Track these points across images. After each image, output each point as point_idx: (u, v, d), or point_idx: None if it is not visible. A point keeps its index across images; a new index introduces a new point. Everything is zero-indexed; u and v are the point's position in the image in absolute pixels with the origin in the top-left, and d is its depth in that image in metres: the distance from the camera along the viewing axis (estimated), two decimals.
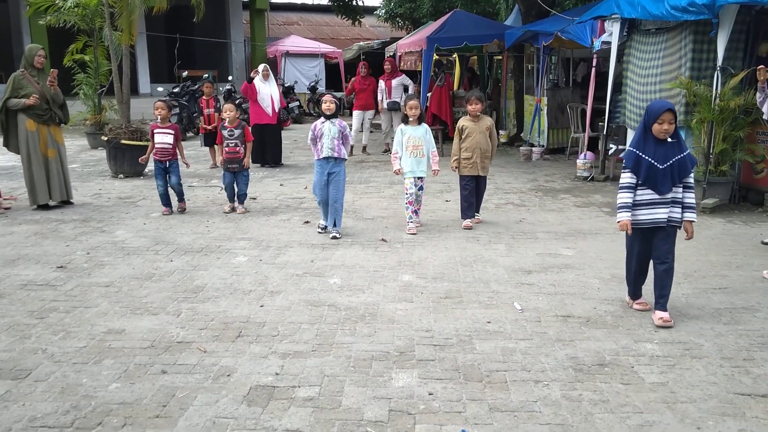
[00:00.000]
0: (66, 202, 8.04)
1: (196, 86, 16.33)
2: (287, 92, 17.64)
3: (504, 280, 5.30)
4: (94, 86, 13.59)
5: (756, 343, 4.07)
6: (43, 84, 7.58)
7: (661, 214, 4.34)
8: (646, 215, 4.37)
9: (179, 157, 7.78)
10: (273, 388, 3.49)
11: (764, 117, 6.54)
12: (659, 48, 8.67)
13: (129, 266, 5.65)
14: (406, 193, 6.88)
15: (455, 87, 16.20)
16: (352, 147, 12.87)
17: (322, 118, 6.53)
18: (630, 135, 9.52)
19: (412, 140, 6.80)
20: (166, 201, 7.68)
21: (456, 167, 7.06)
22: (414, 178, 6.84)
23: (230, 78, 20.84)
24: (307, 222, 7.23)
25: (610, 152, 10.01)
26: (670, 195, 4.33)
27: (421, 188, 6.97)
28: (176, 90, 16.05)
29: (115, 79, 10.70)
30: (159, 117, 7.71)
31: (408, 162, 6.82)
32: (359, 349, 3.98)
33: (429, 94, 13.43)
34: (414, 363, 3.79)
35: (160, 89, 18.22)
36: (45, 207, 7.80)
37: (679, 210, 4.36)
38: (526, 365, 3.76)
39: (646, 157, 4.27)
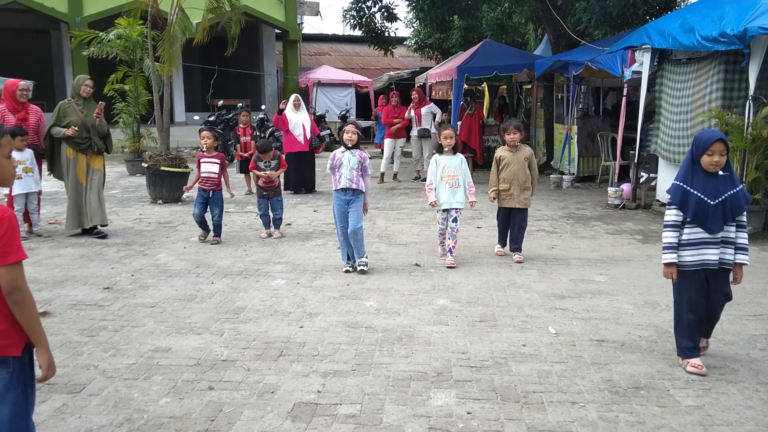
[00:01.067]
0: (99, 233, 7.86)
1: (231, 115, 16.75)
2: (318, 121, 17.94)
3: (538, 304, 5.38)
4: (134, 115, 14.03)
5: None
6: (87, 113, 7.73)
7: (711, 255, 3.96)
8: (693, 256, 3.98)
9: (224, 187, 7.79)
10: (316, 405, 3.62)
11: None
12: (690, 77, 8.74)
13: (172, 288, 5.84)
14: (438, 226, 6.76)
15: (485, 116, 16.36)
16: (382, 174, 13.17)
17: (342, 148, 6.35)
18: (662, 164, 9.56)
19: (448, 170, 6.61)
20: (203, 225, 7.69)
21: (494, 198, 6.86)
22: (449, 210, 6.62)
23: (263, 107, 21.27)
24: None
25: (642, 180, 10.05)
26: (720, 234, 3.96)
27: (455, 220, 6.61)
28: (212, 118, 16.49)
29: (156, 108, 11.06)
30: (205, 146, 7.78)
31: (444, 193, 6.61)
32: (397, 369, 4.09)
33: (459, 123, 13.61)
34: (451, 383, 3.88)
35: (195, 118, 18.72)
36: (100, 234, 7.81)
37: (732, 251, 3.99)
38: (562, 387, 3.83)
39: (695, 192, 3.90)
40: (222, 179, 7.76)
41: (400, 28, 31.27)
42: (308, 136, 11.16)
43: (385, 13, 16.18)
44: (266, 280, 6.12)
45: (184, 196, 10.44)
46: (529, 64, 13.64)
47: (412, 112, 13.07)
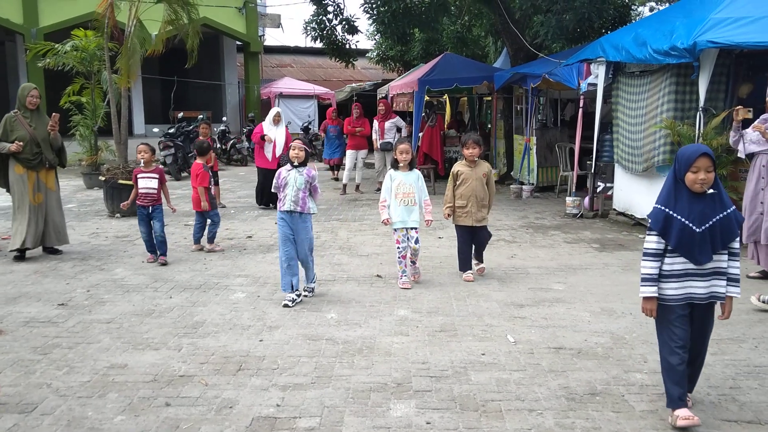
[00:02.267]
0: (53, 250, 7.61)
1: (191, 127, 16.60)
2: None
3: (497, 313, 5.43)
4: (91, 127, 13.79)
5: (742, 373, 4.21)
6: (36, 126, 7.29)
7: (698, 288, 3.46)
8: (677, 289, 3.47)
9: (164, 201, 7.46)
10: (275, 419, 3.59)
11: (740, 155, 6.77)
12: (644, 90, 8.97)
13: (129, 303, 5.75)
14: (398, 247, 6.29)
15: (445, 128, 16.51)
16: (345, 186, 13.17)
17: (289, 166, 5.76)
18: (618, 173, 9.77)
19: (403, 187, 6.25)
20: (151, 247, 7.29)
21: (449, 215, 6.53)
22: (406, 229, 6.27)
23: (224, 119, 21.16)
24: None
25: (599, 190, 10.26)
26: (711, 265, 3.44)
27: (417, 240, 6.29)
28: (171, 131, 16.30)
29: (113, 121, 10.89)
30: (142, 161, 7.37)
31: (398, 211, 6.25)
32: (358, 380, 4.09)
33: (420, 134, 13.72)
34: (411, 394, 3.90)
35: (155, 130, 18.50)
36: (21, 255, 7.32)
37: (723, 283, 3.47)
38: (520, 395, 3.87)
39: (679, 217, 3.40)
40: (162, 195, 7.41)
41: (362, 41, 31.41)
42: (278, 153, 10.70)
43: (346, 26, 16.23)
44: (226, 293, 6.06)
45: None
46: (488, 76, 13.83)
47: (376, 125, 13.12)
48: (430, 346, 4.69)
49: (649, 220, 3.54)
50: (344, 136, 13.84)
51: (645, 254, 3.55)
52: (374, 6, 14.45)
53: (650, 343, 4.70)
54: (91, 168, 13.69)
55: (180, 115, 17.73)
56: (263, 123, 10.88)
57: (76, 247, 7.98)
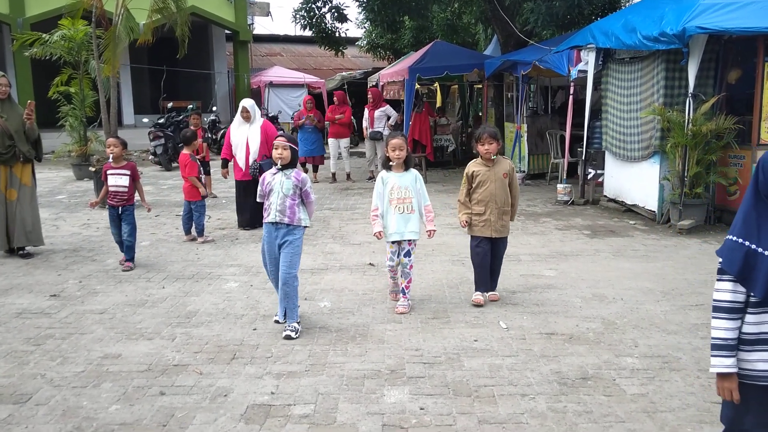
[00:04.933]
0: (24, 253, 7.02)
1: (181, 117, 16.53)
2: (271, 122, 17.81)
3: (489, 300, 5.46)
4: (80, 118, 13.70)
5: None
6: (8, 117, 6.77)
7: None
8: (764, 363, 2.34)
9: (139, 199, 6.82)
10: (269, 406, 3.61)
11: None
12: (635, 76, 8.99)
13: (122, 293, 5.74)
14: (387, 262, 5.32)
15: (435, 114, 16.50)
16: (333, 174, 13.12)
17: (274, 169, 4.79)
18: (608, 160, 9.81)
19: (398, 191, 5.16)
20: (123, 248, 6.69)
21: (467, 222, 5.36)
22: (400, 242, 5.22)
23: (214, 108, 21.04)
24: None
25: (589, 177, 10.30)
26: None
27: (408, 254, 5.21)
28: (161, 121, 16.23)
29: (102, 111, 10.82)
30: (112, 156, 6.65)
31: (393, 220, 5.16)
32: (351, 368, 4.11)
33: (411, 123, 13.70)
34: (405, 380, 3.92)
35: (145, 120, 18.41)
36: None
37: None
38: (512, 380, 3.91)
39: (767, 254, 2.27)
40: (135, 192, 6.74)
41: (352, 29, 31.27)
42: (251, 160, 8.33)
43: (336, 14, 16.18)
44: (219, 283, 6.07)
45: (135, 200, 10.25)
46: (479, 63, 13.83)
47: (366, 113, 13.09)
48: (423, 333, 4.72)
49: (719, 260, 2.40)
50: (324, 128, 13.51)
51: (716, 309, 2.39)
52: None
53: (641, 328, 4.76)
54: (81, 159, 13.62)
55: (170, 105, 17.63)
56: (232, 123, 8.81)
57: (67, 239, 7.95)
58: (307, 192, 4.78)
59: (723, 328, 2.36)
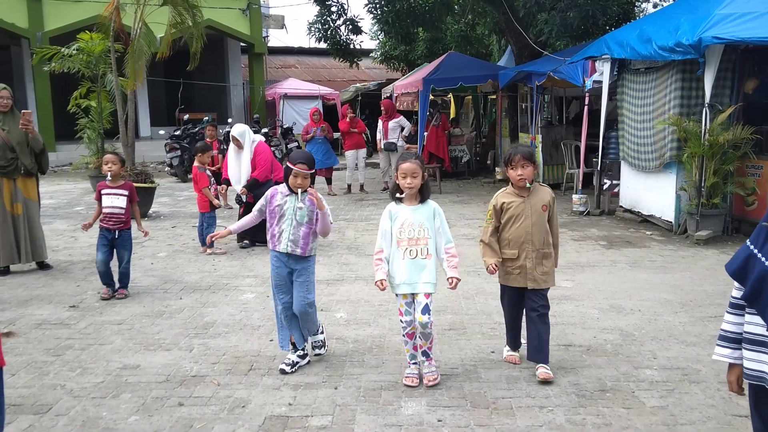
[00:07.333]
0: (41, 265, 7.06)
1: (197, 129, 16.66)
2: (286, 133, 17.91)
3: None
4: (98, 130, 13.86)
5: None
6: (10, 130, 6.65)
7: None
8: (750, 362, 2.47)
9: (136, 225, 6.24)
10: (287, 417, 3.62)
11: None
12: (650, 86, 8.97)
13: (140, 304, 5.79)
14: (401, 320, 4.07)
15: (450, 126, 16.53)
16: (349, 186, 13.17)
17: (286, 189, 4.25)
18: (624, 170, 9.77)
19: (409, 229, 4.01)
20: (106, 279, 6.00)
21: (496, 268, 4.16)
22: (412, 295, 4.03)
23: (230, 120, 21.19)
24: None
25: (605, 187, 10.26)
26: None
27: (426, 310, 3.95)
28: (177, 132, 16.37)
29: (120, 124, 10.96)
30: (109, 173, 6.06)
31: (402, 267, 4.02)
32: (368, 379, 4.11)
33: (426, 134, 13.74)
34: (422, 392, 3.92)
35: (161, 132, 18.55)
36: (5, 271, 6.80)
37: None
38: (530, 392, 3.89)
39: (763, 259, 2.36)
40: (132, 216, 6.19)
41: (366, 41, 31.42)
42: (238, 189, 8.00)
43: (350, 26, 16.27)
44: (235, 294, 6.10)
45: (150, 211, 10.35)
46: (493, 74, 13.86)
47: (380, 125, 13.13)
48: (440, 344, 4.71)
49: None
50: (333, 139, 13.61)
51: (729, 304, 2.57)
52: (378, 6, 14.49)
53: (659, 340, 4.72)
54: (99, 171, 13.73)
55: (186, 117, 17.79)
56: (228, 152, 8.32)
57: (86, 250, 8.02)
58: (323, 219, 4.25)
59: (726, 321, 2.56)
